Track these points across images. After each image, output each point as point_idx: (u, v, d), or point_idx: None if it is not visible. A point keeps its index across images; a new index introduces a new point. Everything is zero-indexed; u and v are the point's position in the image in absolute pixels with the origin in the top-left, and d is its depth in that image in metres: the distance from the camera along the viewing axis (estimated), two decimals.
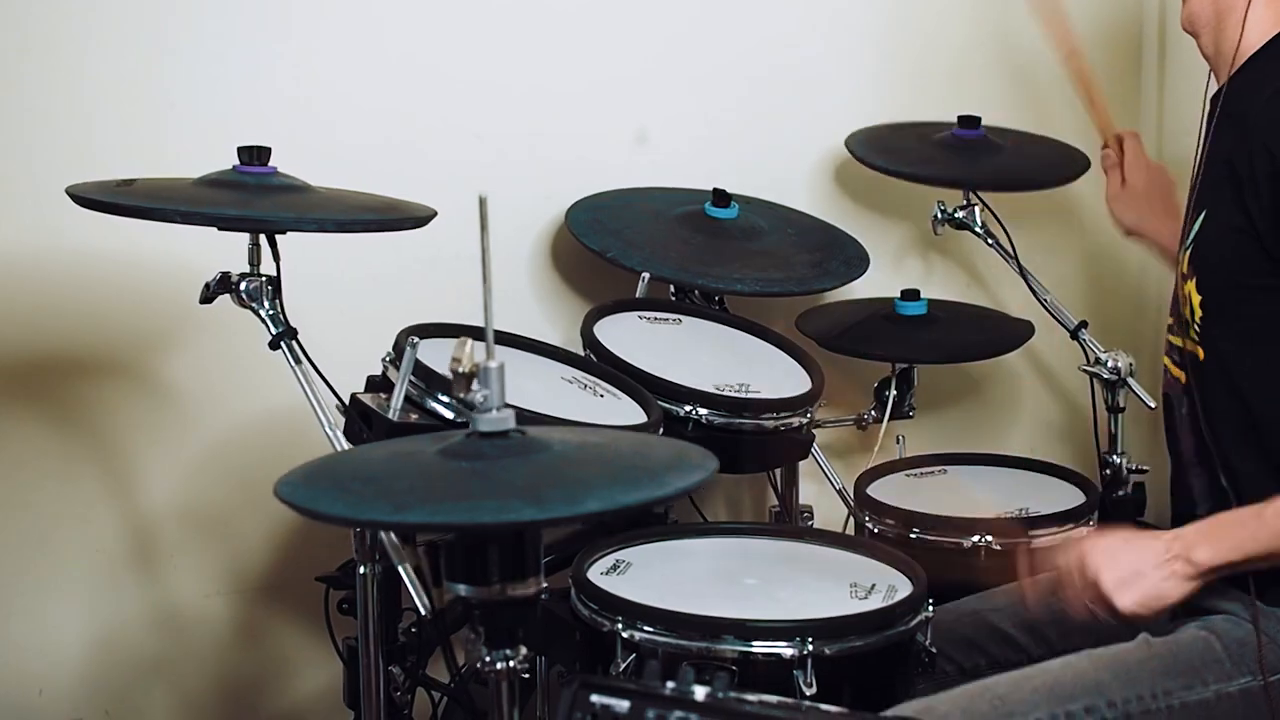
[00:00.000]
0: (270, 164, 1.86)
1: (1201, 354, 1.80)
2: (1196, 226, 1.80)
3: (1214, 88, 1.88)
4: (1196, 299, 1.79)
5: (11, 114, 2.24)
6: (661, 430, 1.99)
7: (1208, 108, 1.86)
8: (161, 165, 1.98)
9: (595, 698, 1.19)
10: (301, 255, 1.89)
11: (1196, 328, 1.79)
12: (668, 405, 2.06)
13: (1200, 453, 1.82)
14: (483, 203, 1.30)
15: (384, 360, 1.95)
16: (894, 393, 2.58)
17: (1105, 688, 1.68)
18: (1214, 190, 1.79)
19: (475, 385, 1.32)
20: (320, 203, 1.85)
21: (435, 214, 1.91)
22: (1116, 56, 3.04)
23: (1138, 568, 1.68)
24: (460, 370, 1.33)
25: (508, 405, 1.33)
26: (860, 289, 2.67)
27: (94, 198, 1.75)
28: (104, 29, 2.27)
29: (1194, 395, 1.81)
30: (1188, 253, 1.81)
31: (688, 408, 2.08)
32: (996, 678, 1.71)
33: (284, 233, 1.83)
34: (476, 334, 1.34)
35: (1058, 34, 2.49)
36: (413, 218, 1.89)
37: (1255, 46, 1.81)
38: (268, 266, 1.86)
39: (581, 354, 2.20)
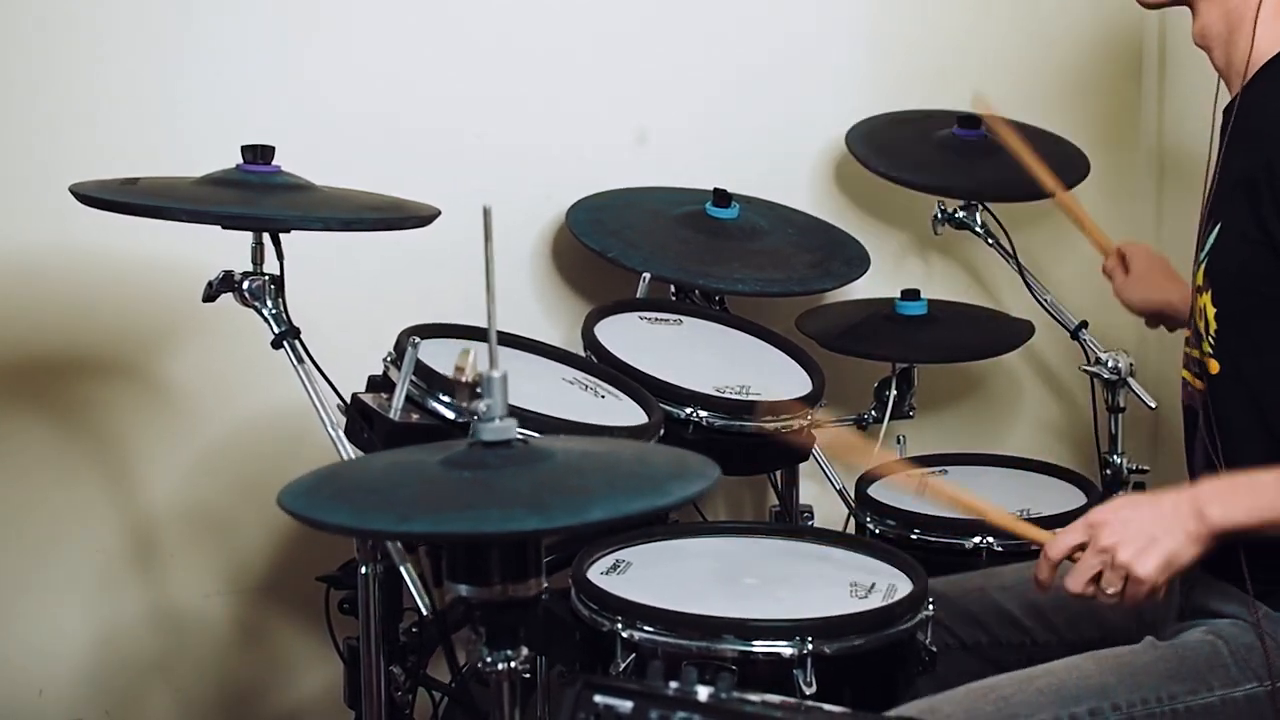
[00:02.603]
0: (273, 163, 1.86)
1: (1216, 366, 1.79)
2: (1212, 239, 1.79)
3: (1225, 100, 1.87)
4: (1212, 311, 1.78)
5: (14, 113, 2.24)
6: (662, 432, 2.00)
7: (1220, 119, 1.86)
8: (165, 164, 1.98)
9: (599, 698, 1.19)
10: (304, 254, 1.89)
11: (1211, 340, 1.79)
12: (668, 407, 2.07)
13: (1210, 465, 1.81)
14: (487, 214, 1.29)
15: (385, 360, 1.95)
16: (894, 393, 2.58)
17: (1110, 690, 1.68)
18: (1228, 202, 1.78)
19: (478, 394, 1.32)
20: (324, 201, 1.85)
21: (439, 213, 1.91)
22: (1117, 68, 3.04)
23: (1151, 532, 1.63)
24: (463, 379, 1.33)
25: (510, 412, 1.33)
26: (860, 289, 2.67)
27: (99, 196, 1.74)
28: (107, 29, 2.27)
29: (1210, 409, 1.80)
30: (1203, 265, 1.81)
31: (688, 410, 2.08)
32: (999, 678, 1.71)
33: (288, 231, 1.83)
34: (479, 335, 1.34)
35: (1043, 177, 2.49)
36: (416, 217, 1.89)
37: (1266, 57, 1.80)
38: (270, 265, 1.86)
39: (582, 355, 2.20)
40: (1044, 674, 1.71)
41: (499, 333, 1.37)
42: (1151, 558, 1.63)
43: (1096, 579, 1.67)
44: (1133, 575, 1.64)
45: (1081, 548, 1.68)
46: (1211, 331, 1.79)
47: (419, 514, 1.26)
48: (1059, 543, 1.71)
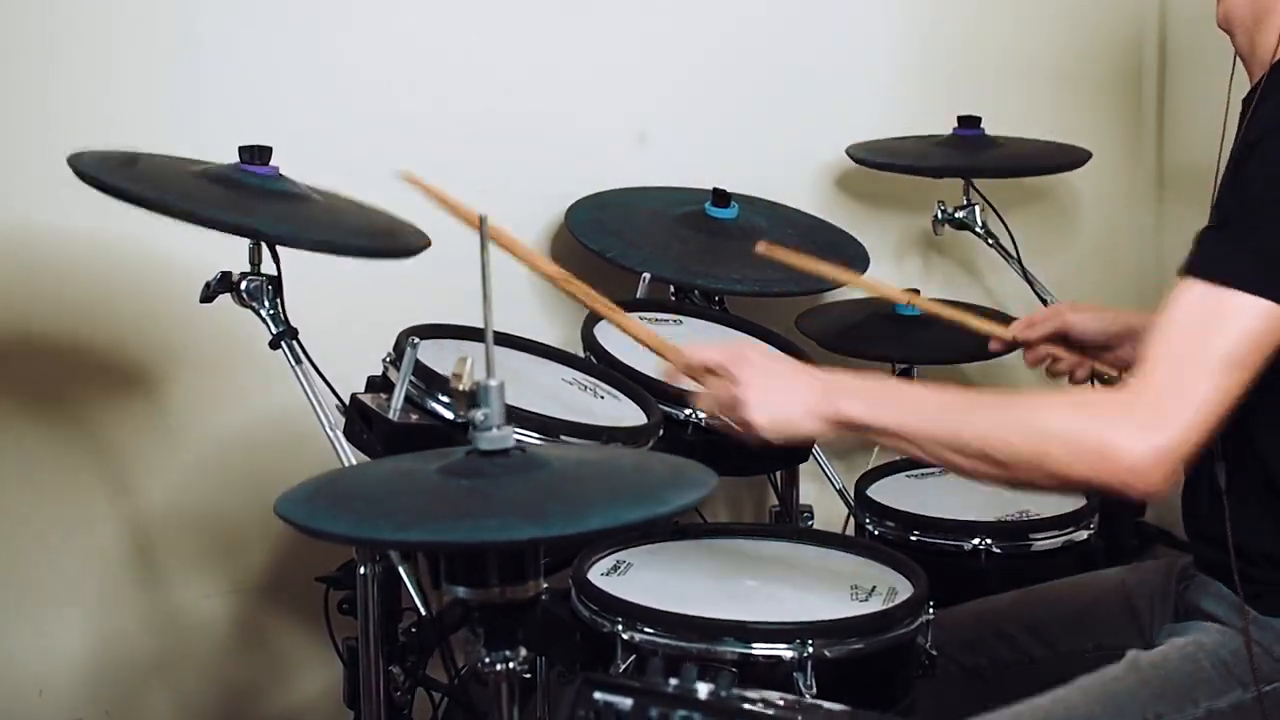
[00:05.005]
0: (271, 164, 1.86)
1: None
2: None
3: (1239, 86, 1.84)
4: None
5: (9, 113, 2.23)
6: (662, 432, 1.99)
7: (1240, 109, 1.84)
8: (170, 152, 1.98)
9: (598, 695, 1.19)
10: (302, 255, 1.89)
11: None
12: (668, 408, 2.06)
13: (1208, 457, 1.80)
14: (483, 221, 1.30)
15: (384, 360, 1.95)
16: None
17: None
18: None
19: (475, 403, 1.32)
20: (320, 215, 1.84)
21: (429, 244, 1.90)
22: (1117, 65, 3.04)
23: (782, 394, 1.63)
24: (460, 387, 1.33)
25: (509, 413, 1.33)
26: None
27: (97, 174, 1.71)
28: (106, 28, 2.27)
29: None
30: None
31: (688, 410, 2.08)
32: (987, 716, 1.69)
33: (274, 245, 1.83)
34: (478, 336, 1.34)
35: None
36: (406, 248, 1.88)
37: None
38: (268, 266, 1.86)
39: (581, 355, 2.20)
40: (1030, 710, 1.70)
41: (498, 333, 1.37)
42: (768, 413, 1.62)
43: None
44: (748, 420, 1.63)
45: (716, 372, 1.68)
46: None
47: (416, 523, 1.27)
48: (701, 353, 1.71)
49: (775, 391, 1.63)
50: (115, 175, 1.74)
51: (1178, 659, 1.74)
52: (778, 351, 1.66)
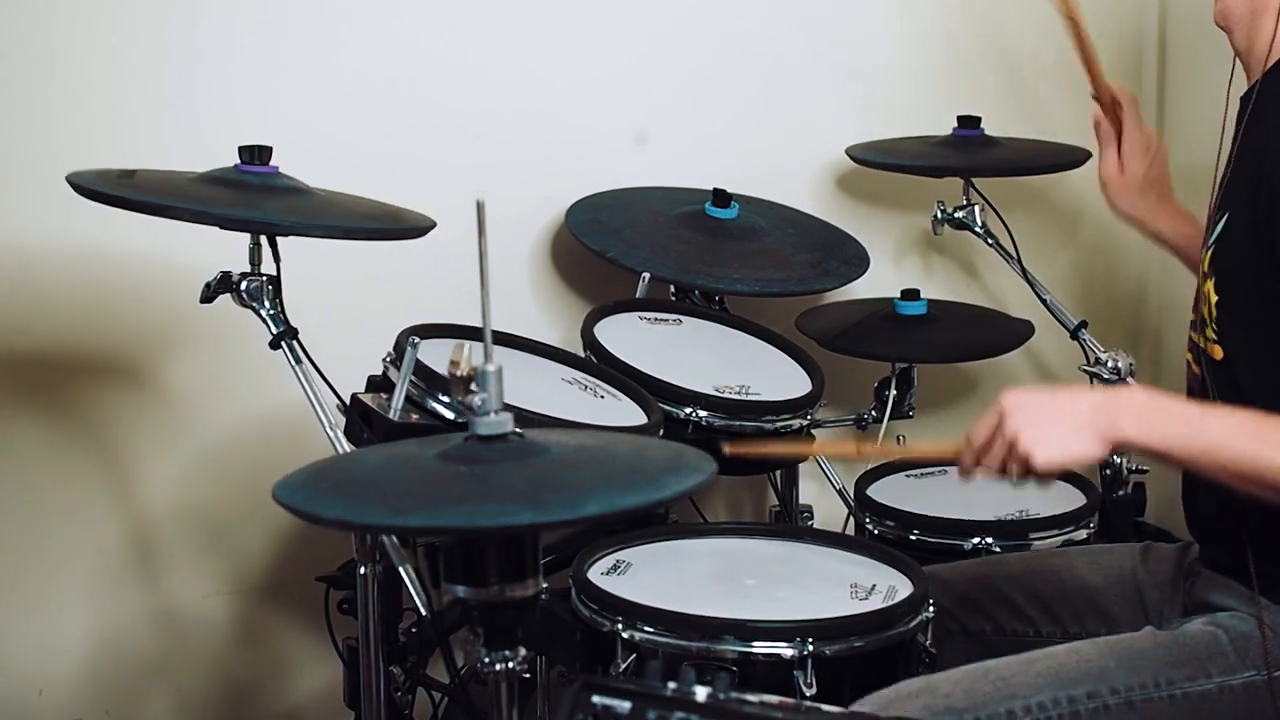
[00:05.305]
0: (271, 163, 1.86)
1: (1219, 352, 1.79)
2: (1219, 227, 1.78)
3: (1238, 84, 1.85)
4: (1214, 299, 1.78)
5: (10, 113, 2.24)
6: (662, 432, 2.00)
7: (1237, 106, 1.84)
8: (167, 158, 1.97)
9: (597, 698, 1.18)
10: (302, 255, 1.89)
11: (1214, 327, 1.79)
12: (668, 407, 2.07)
13: None
14: (480, 207, 1.30)
15: (385, 360, 1.95)
16: (894, 393, 2.58)
17: (1109, 675, 1.68)
18: (1237, 190, 1.77)
19: (473, 388, 1.32)
20: (324, 207, 1.85)
21: (434, 224, 1.91)
22: (1116, 64, 3.04)
23: (1059, 426, 1.59)
24: (458, 374, 1.33)
25: (506, 407, 1.33)
26: (860, 289, 2.67)
27: (97, 189, 1.73)
28: (106, 28, 2.27)
29: (1211, 394, 1.80)
30: (1209, 253, 1.80)
31: (688, 410, 2.08)
32: (999, 660, 1.70)
33: (287, 235, 1.83)
34: (478, 335, 1.34)
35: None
36: (414, 227, 1.89)
37: None
38: (268, 266, 1.86)
39: (581, 355, 2.20)
40: (1043, 657, 1.71)
41: (497, 332, 1.37)
42: (1052, 449, 1.59)
43: (1004, 466, 1.62)
44: (1031, 464, 1.59)
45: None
46: (1214, 318, 1.78)
47: (414, 508, 1.26)
48: (978, 429, 1.64)
49: (1048, 423, 1.60)
50: (117, 188, 1.75)
51: (1195, 633, 1.75)
52: (1042, 387, 1.64)
